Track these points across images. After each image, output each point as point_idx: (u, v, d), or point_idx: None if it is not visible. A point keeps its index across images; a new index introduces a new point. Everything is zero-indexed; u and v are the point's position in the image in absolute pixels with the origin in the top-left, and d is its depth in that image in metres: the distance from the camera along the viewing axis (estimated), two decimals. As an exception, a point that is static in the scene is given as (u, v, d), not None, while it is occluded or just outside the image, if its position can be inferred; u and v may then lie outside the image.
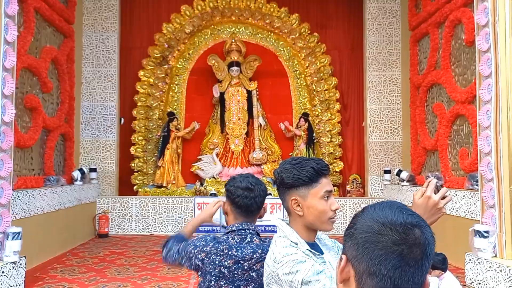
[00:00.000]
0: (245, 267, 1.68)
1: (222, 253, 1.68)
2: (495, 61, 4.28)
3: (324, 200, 1.39)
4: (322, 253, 1.41)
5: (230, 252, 1.69)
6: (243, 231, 1.74)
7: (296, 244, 1.37)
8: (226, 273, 1.67)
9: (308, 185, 1.38)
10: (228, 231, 1.76)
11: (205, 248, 1.71)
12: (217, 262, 1.67)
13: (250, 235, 1.74)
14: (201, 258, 1.70)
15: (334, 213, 1.40)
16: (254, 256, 1.69)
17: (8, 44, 4.36)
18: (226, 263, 1.67)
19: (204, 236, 1.78)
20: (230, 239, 1.73)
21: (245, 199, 1.74)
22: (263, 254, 1.68)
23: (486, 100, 4.39)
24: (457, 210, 5.54)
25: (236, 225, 1.75)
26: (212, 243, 1.72)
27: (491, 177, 4.29)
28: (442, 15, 6.49)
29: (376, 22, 8.47)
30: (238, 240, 1.72)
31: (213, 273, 1.68)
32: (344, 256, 0.81)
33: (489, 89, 4.34)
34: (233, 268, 1.67)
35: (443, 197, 1.27)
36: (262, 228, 7.74)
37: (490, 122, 4.32)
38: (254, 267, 1.69)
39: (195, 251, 1.72)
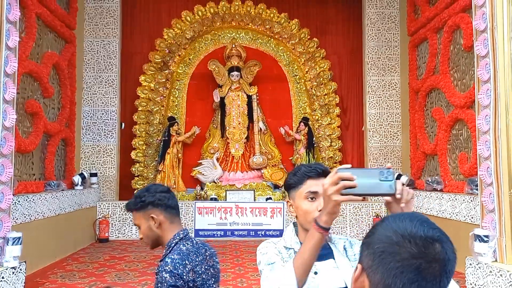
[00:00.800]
0: (206, 266, 1.76)
1: (197, 262, 1.71)
2: (493, 66, 4.30)
3: (308, 200, 1.42)
4: (332, 257, 1.43)
5: (199, 258, 1.74)
6: (188, 236, 1.80)
7: (279, 240, 1.47)
8: (204, 277, 1.73)
9: (295, 187, 1.46)
10: (177, 240, 1.75)
11: (187, 267, 1.65)
12: (200, 272, 1.71)
13: (191, 238, 1.82)
14: (192, 279, 1.65)
15: None
16: (207, 253, 1.80)
17: (9, 49, 4.38)
18: (203, 269, 1.73)
19: (171, 260, 1.63)
20: (187, 245, 1.74)
21: (173, 198, 1.83)
22: (211, 249, 1.84)
23: (485, 104, 4.40)
24: (457, 215, 5.54)
25: (181, 232, 1.78)
26: (186, 259, 1.66)
27: (490, 181, 4.30)
28: (440, 21, 6.53)
29: (375, 28, 8.52)
30: (191, 245, 1.77)
31: (198, 284, 1.68)
32: (359, 265, 0.79)
33: (488, 93, 4.35)
34: (205, 270, 1.74)
35: (337, 183, 1.06)
36: (263, 233, 7.74)
37: (489, 126, 4.33)
38: (210, 263, 1.78)
39: (184, 277, 1.62)
